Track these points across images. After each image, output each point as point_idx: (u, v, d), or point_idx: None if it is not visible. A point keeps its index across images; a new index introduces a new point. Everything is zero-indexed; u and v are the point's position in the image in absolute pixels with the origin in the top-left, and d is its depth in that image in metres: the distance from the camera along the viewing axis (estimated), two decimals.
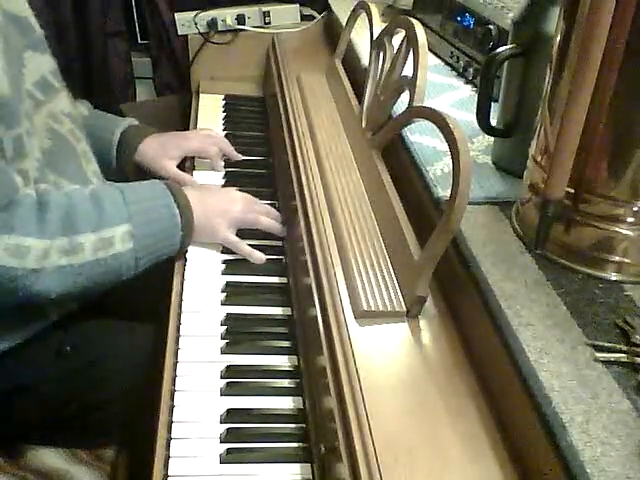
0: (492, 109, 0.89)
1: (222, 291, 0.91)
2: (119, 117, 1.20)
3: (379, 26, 1.07)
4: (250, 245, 0.99)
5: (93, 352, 0.95)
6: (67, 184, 0.92)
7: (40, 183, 0.87)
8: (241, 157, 1.22)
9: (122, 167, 1.14)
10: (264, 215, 1.01)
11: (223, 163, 1.20)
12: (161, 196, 0.91)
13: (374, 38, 1.06)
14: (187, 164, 1.20)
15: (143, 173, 1.15)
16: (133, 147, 1.13)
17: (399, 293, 0.74)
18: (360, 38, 1.28)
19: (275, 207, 1.10)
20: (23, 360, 0.90)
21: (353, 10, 1.21)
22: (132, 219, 0.86)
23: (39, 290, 0.81)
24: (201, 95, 1.55)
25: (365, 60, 1.14)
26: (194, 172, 1.18)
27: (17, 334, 0.90)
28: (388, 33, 1.02)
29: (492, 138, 0.93)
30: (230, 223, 0.97)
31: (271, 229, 1.01)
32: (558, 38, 0.69)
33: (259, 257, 0.97)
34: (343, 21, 1.33)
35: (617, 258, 0.70)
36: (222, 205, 0.98)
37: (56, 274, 0.81)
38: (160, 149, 1.14)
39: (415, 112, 0.83)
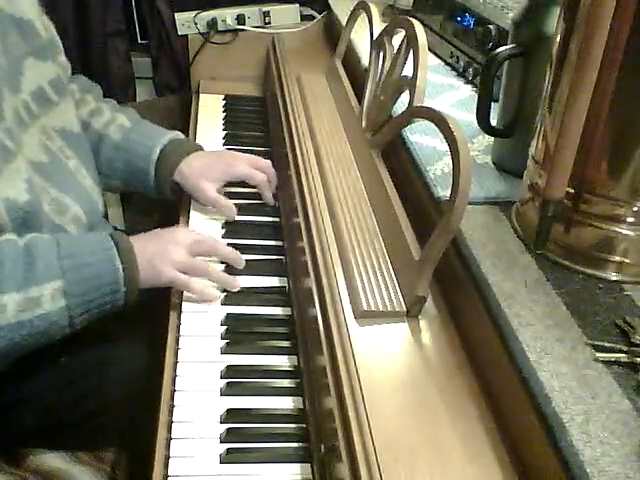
0: (492, 109, 0.89)
1: (222, 291, 0.91)
2: (162, 129, 1.12)
3: (379, 26, 1.07)
4: (249, 245, 0.99)
5: (90, 360, 0.94)
6: (68, 199, 0.91)
7: (34, 205, 0.83)
8: (274, 202, 1.11)
9: (160, 186, 1.08)
10: (215, 252, 0.93)
11: (271, 196, 1.11)
12: (103, 249, 0.83)
13: (374, 38, 1.06)
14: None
15: (182, 192, 1.09)
16: (172, 166, 1.06)
17: (399, 293, 0.74)
18: (360, 38, 1.28)
19: (275, 208, 1.10)
20: (20, 375, 0.89)
21: (353, 10, 1.21)
22: (66, 275, 0.79)
23: None
24: (201, 95, 1.55)
25: (365, 60, 1.14)
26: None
27: (13, 356, 0.87)
28: (388, 33, 1.02)
29: (492, 138, 0.93)
30: (174, 263, 0.87)
31: (221, 282, 0.91)
32: (558, 38, 0.69)
33: (214, 295, 0.89)
34: (343, 21, 1.33)
35: (617, 258, 0.70)
36: (164, 246, 0.88)
37: None
38: (201, 171, 1.06)
39: (415, 112, 0.83)
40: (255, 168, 1.10)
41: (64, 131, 0.97)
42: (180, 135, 1.13)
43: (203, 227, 1.05)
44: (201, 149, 1.12)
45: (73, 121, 1.01)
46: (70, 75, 1.09)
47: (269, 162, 1.13)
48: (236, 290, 0.91)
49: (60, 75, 0.99)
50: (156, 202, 1.15)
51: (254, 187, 1.11)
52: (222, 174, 1.08)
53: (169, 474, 0.68)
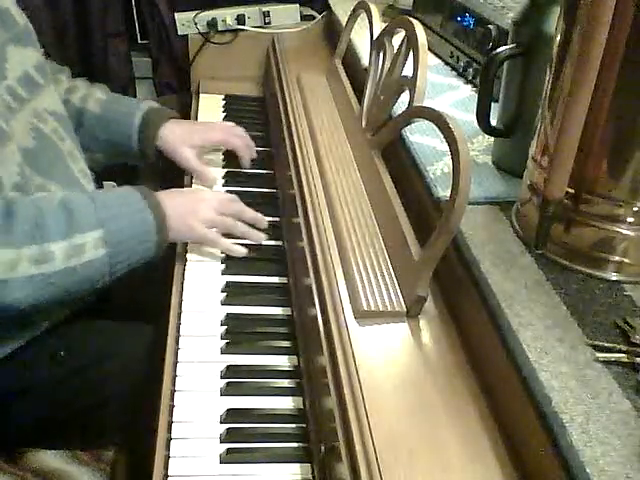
0: (492, 109, 0.89)
1: (222, 291, 0.91)
2: (137, 100, 1.20)
3: (379, 26, 1.07)
4: (249, 245, 0.99)
5: (88, 355, 0.94)
6: (54, 186, 0.91)
7: (22, 188, 0.85)
8: (255, 155, 1.20)
9: (144, 152, 1.13)
10: (239, 215, 0.98)
11: (249, 159, 1.18)
12: (134, 201, 0.89)
13: (374, 38, 1.06)
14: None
15: (165, 158, 1.13)
16: (154, 132, 1.11)
17: (399, 293, 0.74)
18: (360, 38, 1.28)
19: (275, 208, 1.10)
20: (18, 366, 0.90)
21: (353, 10, 1.21)
22: (104, 225, 0.84)
23: (8, 301, 0.78)
24: (201, 95, 1.55)
25: (365, 60, 1.14)
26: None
27: (10, 344, 0.89)
28: (388, 33, 1.02)
29: (492, 138, 0.93)
30: (204, 220, 0.94)
31: (247, 236, 0.98)
32: (558, 38, 0.69)
33: (239, 250, 0.95)
34: (343, 21, 1.33)
35: (617, 258, 0.70)
36: (194, 204, 0.95)
37: (26, 284, 0.79)
38: (183, 137, 1.12)
39: (415, 112, 0.83)
40: (232, 135, 1.17)
41: (56, 113, 0.99)
42: (155, 103, 1.18)
43: None
44: (177, 115, 1.17)
45: (59, 103, 1.03)
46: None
47: (242, 129, 1.21)
48: (261, 242, 0.98)
49: (42, 60, 1.00)
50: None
51: (253, 187, 1.12)
52: (201, 140, 1.14)
53: (169, 474, 0.68)
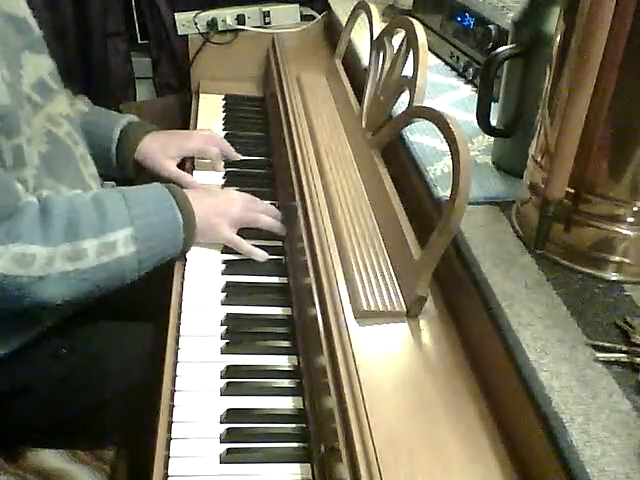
0: (492, 109, 0.89)
1: (222, 291, 0.92)
2: (119, 114, 1.20)
3: (379, 26, 1.07)
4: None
5: (90, 354, 0.94)
6: (65, 189, 0.92)
7: (39, 190, 0.86)
8: (240, 157, 1.22)
9: (122, 165, 1.14)
10: (264, 213, 1.01)
11: (223, 164, 1.20)
12: (163, 199, 0.91)
13: (374, 38, 1.06)
14: (187, 165, 1.20)
15: (143, 171, 1.15)
16: (133, 145, 1.13)
17: (399, 293, 0.74)
18: (360, 38, 1.28)
19: (275, 207, 1.10)
20: (19, 364, 0.90)
21: (353, 10, 1.21)
22: (134, 222, 0.86)
23: (45, 297, 0.81)
24: (201, 95, 1.55)
25: (365, 60, 1.14)
26: (194, 172, 1.18)
27: (13, 341, 0.89)
28: (388, 33, 1.02)
29: (492, 138, 0.93)
30: (231, 222, 0.97)
31: (271, 227, 1.01)
32: (558, 38, 0.69)
33: (261, 255, 0.96)
34: (343, 21, 1.33)
35: (617, 258, 0.70)
36: (222, 205, 0.98)
37: (61, 280, 0.81)
38: (161, 148, 1.14)
39: (415, 112, 0.83)
40: (209, 143, 1.18)
41: (70, 117, 1.00)
42: (136, 118, 1.19)
43: None
44: (157, 129, 1.18)
45: (70, 109, 1.03)
46: None
47: (220, 136, 1.24)
48: (283, 234, 1.01)
49: (55, 68, 1.01)
50: None
51: (253, 187, 1.12)
52: (179, 150, 1.16)
53: (169, 474, 0.68)
